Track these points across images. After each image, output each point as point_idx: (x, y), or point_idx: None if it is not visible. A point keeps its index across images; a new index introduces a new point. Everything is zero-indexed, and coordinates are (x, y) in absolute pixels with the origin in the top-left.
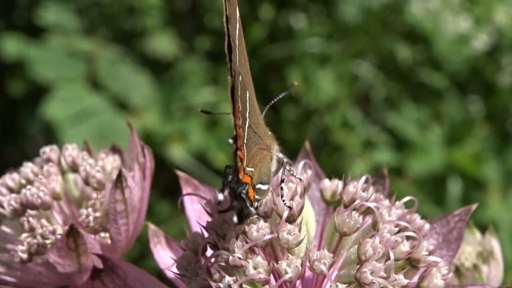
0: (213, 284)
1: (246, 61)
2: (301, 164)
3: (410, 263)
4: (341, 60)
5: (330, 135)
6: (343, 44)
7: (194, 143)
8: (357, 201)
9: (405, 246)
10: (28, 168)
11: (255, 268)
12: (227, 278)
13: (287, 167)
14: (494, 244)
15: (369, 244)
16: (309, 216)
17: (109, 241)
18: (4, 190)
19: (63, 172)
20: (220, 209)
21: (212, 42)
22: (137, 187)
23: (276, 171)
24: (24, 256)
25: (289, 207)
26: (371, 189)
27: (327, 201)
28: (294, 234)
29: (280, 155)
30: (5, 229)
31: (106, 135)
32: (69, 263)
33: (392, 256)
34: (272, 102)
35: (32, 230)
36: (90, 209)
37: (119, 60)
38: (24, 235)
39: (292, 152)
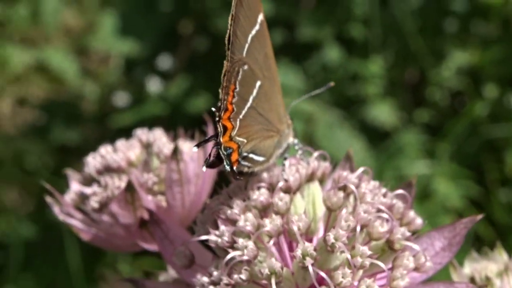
0: (212, 231)
1: (269, 59)
2: (315, 153)
3: (388, 246)
4: None
5: None
6: None
7: None
8: (343, 181)
9: (383, 228)
10: (120, 143)
11: (245, 221)
12: (222, 227)
13: (299, 152)
14: None
15: (343, 216)
16: (317, 198)
17: (164, 203)
18: (97, 157)
19: (145, 147)
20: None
21: (431, 116)
22: (194, 163)
23: (282, 153)
24: (96, 205)
25: (285, 179)
26: (366, 178)
27: (319, 180)
28: (284, 200)
29: (292, 141)
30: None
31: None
32: (128, 214)
33: (358, 228)
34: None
35: (106, 186)
36: (151, 174)
37: (337, 124)
38: (99, 189)
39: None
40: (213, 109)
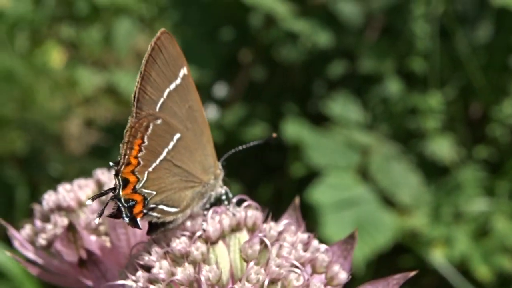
0: (129, 276)
1: (195, 111)
2: (244, 204)
3: None
4: None
5: None
6: None
7: (458, 250)
8: (258, 233)
9: (299, 281)
10: (76, 182)
11: (159, 268)
12: (139, 273)
13: (225, 203)
14: None
15: (253, 269)
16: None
17: (108, 244)
18: (52, 195)
19: (98, 187)
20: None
21: (491, 152)
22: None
23: (205, 203)
24: (44, 242)
25: (203, 229)
26: (288, 228)
27: (250, 229)
28: (200, 250)
29: (219, 191)
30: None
31: (365, 226)
32: (70, 252)
33: (266, 281)
34: None
35: (55, 224)
36: (96, 215)
37: (394, 157)
38: (49, 227)
39: None
40: (111, 163)
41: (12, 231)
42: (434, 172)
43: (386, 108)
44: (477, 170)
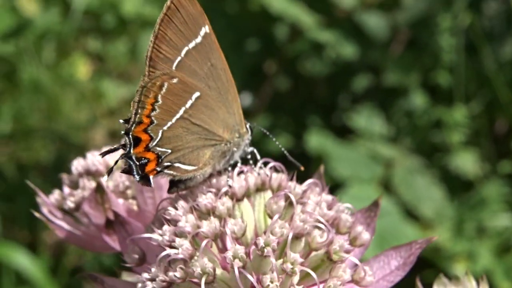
0: (156, 230)
1: (218, 69)
2: (270, 164)
3: (327, 257)
4: None
5: None
6: None
7: (481, 265)
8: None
9: (322, 238)
10: (105, 148)
11: (185, 222)
12: (165, 227)
13: (250, 162)
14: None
15: (278, 223)
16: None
17: (135, 207)
18: (80, 161)
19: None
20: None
21: None
22: None
23: (228, 160)
24: (72, 205)
25: (228, 185)
26: (313, 189)
27: (274, 190)
28: (226, 205)
29: (245, 150)
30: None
31: (386, 238)
32: (98, 214)
33: (290, 235)
34: None
35: (83, 187)
36: (124, 178)
37: (417, 170)
38: (77, 190)
39: None
40: (121, 121)
41: (41, 196)
42: (457, 186)
43: (410, 121)
44: (501, 185)
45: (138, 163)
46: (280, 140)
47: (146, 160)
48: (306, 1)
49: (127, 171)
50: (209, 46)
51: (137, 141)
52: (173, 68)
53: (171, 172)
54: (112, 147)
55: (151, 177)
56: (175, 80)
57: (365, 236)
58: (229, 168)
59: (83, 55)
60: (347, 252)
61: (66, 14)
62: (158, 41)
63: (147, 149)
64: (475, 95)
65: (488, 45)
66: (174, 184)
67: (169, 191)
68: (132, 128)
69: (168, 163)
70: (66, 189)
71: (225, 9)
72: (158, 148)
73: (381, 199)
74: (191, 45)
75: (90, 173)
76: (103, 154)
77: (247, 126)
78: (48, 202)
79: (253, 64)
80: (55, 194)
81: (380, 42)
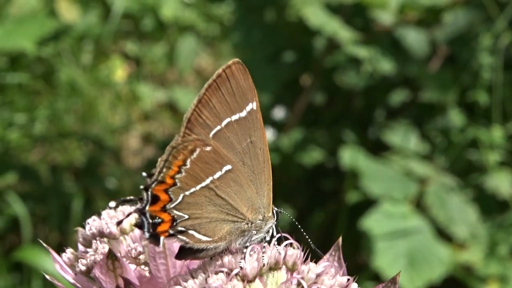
0: None
1: (257, 148)
2: (285, 243)
3: None
4: None
5: None
6: None
7: None
8: (297, 275)
9: None
10: (121, 208)
11: None
12: None
13: (264, 244)
14: None
15: None
16: None
17: (147, 274)
18: (95, 221)
19: None
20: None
21: None
22: None
23: (246, 242)
24: (83, 268)
25: (240, 266)
26: (333, 273)
27: (290, 269)
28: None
29: (263, 236)
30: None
31: (418, 258)
32: (109, 280)
33: None
34: None
35: (96, 250)
36: (137, 244)
37: (452, 189)
38: (89, 253)
39: None
40: (144, 174)
41: (53, 254)
42: (492, 207)
43: (446, 139)
44: None
45: (151, 221)
46: (313, 154)
47: (160, 220)
48: (345, 15)
49: (139, 225)
50: (252, 122)
51: (155, 199)
52: (210, 135)
53: (184, 238)
54: (127, 198)
55: (161, 238)
56: (208, 148)
57: None
58: (244, 250)
59: (120, 58)
60: None
61: (105, 17)
62: (201, 106)
63: (164, 209)
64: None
65: None
66: (184, 251)
67: (177, 257)
68: (153, 185)
69: (183, 228)
70: (80, 247)
71: (263, 19)
72: (175, 211)
73: (399, 275)
74: (234, 117)
75: (104, 235)
76: (117, 205)
77: (274, 211)
78: (60, 261)
79: (289, 76)
80: (68, 253)
81: (418, 58)
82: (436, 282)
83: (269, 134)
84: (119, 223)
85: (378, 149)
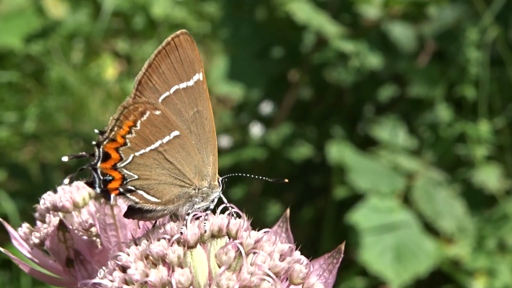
0: (107, 275)
1: (203, 118)
2: (227, 212)
3: None
4: None
5: None
6: None
7: (501, 282)
8: (236, 240)
9: None
10: (76, 183)
11: (134, 269)
12: (116, 273)
13: (207, 212)
14: None
15: (225, 275)
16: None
17: (99, 246)
18: (49, 196)
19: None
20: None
21: None
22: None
23: (190, 207)
24: (37, 241)
25: (180, 232)
26: (274, 240)
27: (232, 237)
28: (176, 253)
29: (207, 204)
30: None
31: (405, 252)
32: (60, 251)
33: (236, 286)
34: None
35: (49, 223)
36: (89, 217)
37: (439, 184)
38: (43, 226)
39: None
40: (96, 130)
41: (8, 229)
42: (480, 201)
43: (434, 134)
44: None
45: (102, 178)
46: (301, 150)
47: (110, 178)
48: (331, 10)
49: (90, 182)
50: (199, 93)
51: (106, 156)
52: (159, 100)
53: (133, 197)
54: (79, 154)
55: (112, 195)
56: (158, 112)
57: (319, 287)
58: (186, 217)
59: (111, 56)
60: None
61: (95, 15)
62: (151, 70)
63: (114, 167)
64: (500, 109)
65: None
66: (133, 211)
67: (126, 215)
68: (105, 142)
69: (132, 188)
70: (38, 223)
71: (252, 15)
72: (125, 170)
73: (343, 245)
74: (182, 85)
75: (57, 209)
76: (70, 158)
77: (219, 180)
78: (15, 235)
79: (278, 72)
80: (24, 228)
81: (406, 53)
82: (423, 276)
83: (257, 129)
84: (71, 178)
85: (367, 144)
